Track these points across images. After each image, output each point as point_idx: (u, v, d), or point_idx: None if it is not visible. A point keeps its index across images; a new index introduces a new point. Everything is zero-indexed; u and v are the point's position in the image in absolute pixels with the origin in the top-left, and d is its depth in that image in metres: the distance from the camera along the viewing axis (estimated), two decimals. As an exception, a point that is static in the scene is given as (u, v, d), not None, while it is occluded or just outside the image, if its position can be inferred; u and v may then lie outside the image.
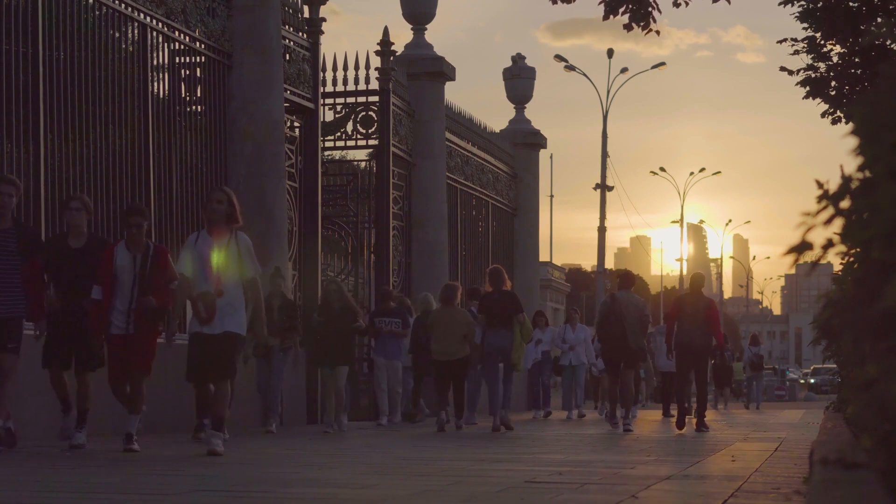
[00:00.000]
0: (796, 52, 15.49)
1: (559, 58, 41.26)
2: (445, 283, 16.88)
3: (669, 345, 14.99)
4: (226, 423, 9.59)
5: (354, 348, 14.85)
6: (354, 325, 14.14)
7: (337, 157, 22.41)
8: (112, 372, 9.62)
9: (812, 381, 56.66)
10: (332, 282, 15.05)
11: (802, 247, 2.70)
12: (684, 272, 65.78)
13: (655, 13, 12.96)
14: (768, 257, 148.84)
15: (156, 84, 14.38)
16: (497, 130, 26.57)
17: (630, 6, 12.93)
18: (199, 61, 15.26)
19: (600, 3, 13.09)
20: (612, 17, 13.08)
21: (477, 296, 17.15)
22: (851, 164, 2.68)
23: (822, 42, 15.34)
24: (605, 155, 42.97)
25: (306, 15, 17.59)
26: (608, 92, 42.82)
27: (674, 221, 66.97)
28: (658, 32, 13.01)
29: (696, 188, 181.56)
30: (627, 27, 13.03)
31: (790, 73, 15.59)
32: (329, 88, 19.30)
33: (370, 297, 19.55)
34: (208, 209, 9.47)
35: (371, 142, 20.03)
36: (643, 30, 12.92)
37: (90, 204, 9.98)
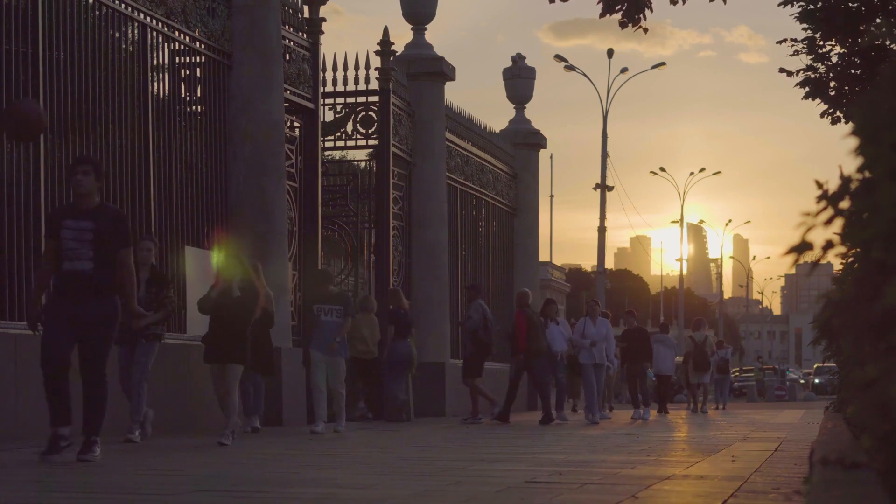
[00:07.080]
0: (796, 53, 15.49)
1: (559, 58, 41.28)
2: (364, 294, 18.48)
3: (520, 350, 17.48)
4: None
5: (249, 343, 11.31)
6: (256, 319, 11.48)
7: (337, 157, 22.40)
8: None
9: (816, 381, 55.74)
10: (233, 256, 11.63)
11: (802, 247, 2.70)
12: (684, 272, 65.78)
13: (647, 11, 12.96)
14: (768, 257, 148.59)
15: (156, 84, 14.37)
16: (497, 130, 26.55)
17: (625, 3, 12.93)
18: (199, 61, 15.25)
19: (599, 1, 13.11)
20: (608, 14, 13.09)
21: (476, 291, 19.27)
22: (851, 165, 2.68)
23: (822, 42, 15.33)
24: (605, 155, 43.00)
25: (306, 15, 17.59)
26: (608, 92, 42.87)
27: (674, 221, 67.07)
28: (646, 30, 13.01)
29: (696, 188, 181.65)
30: (622, 24, 13.05)
31: (789, 74, 15.59)
32: (329, 88, 19.29)
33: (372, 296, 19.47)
34: None
35: (371, 142, 20.01)
36: (634, 27, 12.93)
37: None
